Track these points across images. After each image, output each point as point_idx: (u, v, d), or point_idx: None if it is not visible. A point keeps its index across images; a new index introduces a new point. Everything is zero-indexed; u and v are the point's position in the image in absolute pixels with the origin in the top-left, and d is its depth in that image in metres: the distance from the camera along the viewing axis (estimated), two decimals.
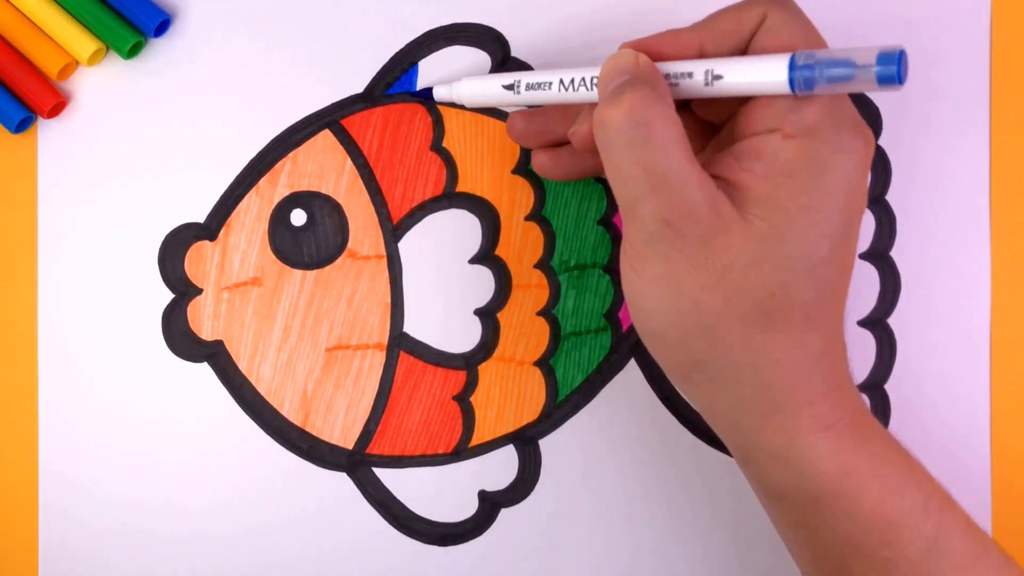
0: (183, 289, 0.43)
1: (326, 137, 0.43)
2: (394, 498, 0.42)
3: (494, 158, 0.42)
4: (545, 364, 0.42)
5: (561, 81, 0.36)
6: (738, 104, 0.34)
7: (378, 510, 0.42)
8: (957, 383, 0.40)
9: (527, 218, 0.42)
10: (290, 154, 0.43)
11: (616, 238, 0.42)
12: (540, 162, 0.40)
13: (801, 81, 0.31)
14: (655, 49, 0.34)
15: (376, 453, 0.42)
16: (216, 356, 0.43)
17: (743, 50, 0.34)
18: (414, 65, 0.43)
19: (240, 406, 0.43)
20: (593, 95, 0.35)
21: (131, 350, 0.44)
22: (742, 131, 0.34)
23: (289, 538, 0.43)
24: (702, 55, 0.34)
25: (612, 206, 0.42)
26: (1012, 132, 0.41)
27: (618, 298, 0.42)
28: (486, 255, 0.42)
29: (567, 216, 0.42)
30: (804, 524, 0.34)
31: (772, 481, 0.34)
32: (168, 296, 0.43)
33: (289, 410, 0.43)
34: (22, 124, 0.44)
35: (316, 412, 0.43)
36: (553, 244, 0.42)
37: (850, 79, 0.31)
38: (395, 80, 0.43)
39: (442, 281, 0.42)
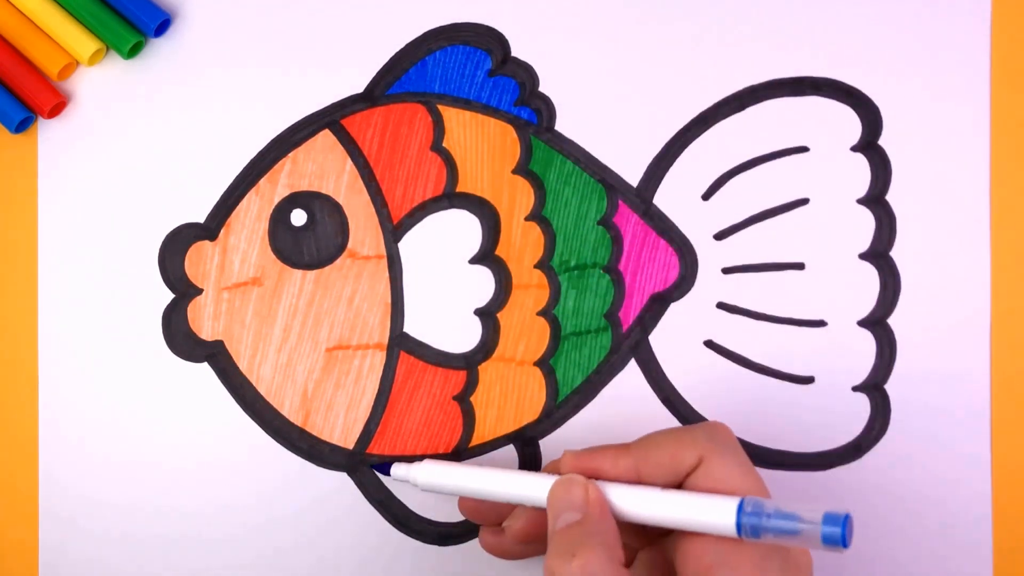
0: (183, 289, 0.43)
1: (326, 137, 0.43)
2: (394, 498, 0.42)
3: (494, 158, 0.42)
4: (545, 364, 0.42)
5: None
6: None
7: (378, 510, 0.42)
8: (957, 383, 0.40)
9: (527, 218, 0.42)
10: (290, 154, 0.43)
11: (616, 238, 0.42)
12: (486, 541, 0.39)
13: (748, 528, 0.32)
14: (594, 469, 0.35)
15: (376, 453, 0.42)
16: (216, 356, 0.43)
17: (679, 484, 0.34)
18: (414, 65, 0.43)
19: (240, 406, 0.43)
20: (540, 499, 0.36)
21: (131, 350, 0.43)
22: (679, 567, 0.34)
23: (289, 538, 0.43)
24: (639, 481, 0.35)
25: (612, 206, 0.42)
26: (1012, 132, 0.41)
27: (618, 298, 0.42)
28: (486, 255, 0.42)
29: (567, 216, 0.42)
30: None
31: None
32: (168, 296, 0.43)
33: (289, 410, 0.43)
34: (22, 124, 0.44)
35: (316, 412, 0.43)
36: (553, 244, 0.42)
37: (796, 534, 0.31)
38: (395, 80, 0.43)
39: (442, 281, 0.42)
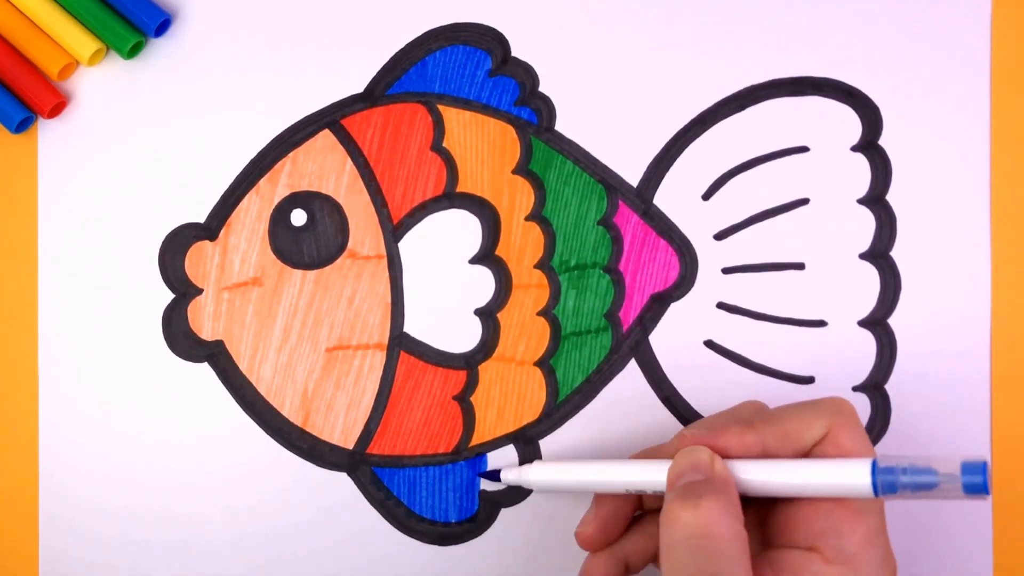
0: (183, 289, 0.43)
1: (326, 137, 0.43)
2: (394, 498, 0.42)
3: (494, 158, 0.42)
4: (545, 364, 0.42)
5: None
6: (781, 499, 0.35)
7: (378, 510, 0.42)
8: (957, 383, 0.40)
9: (527, 218, 0.42)
10: (290, 154, 0.43)
11: (616, 238, 0.42)
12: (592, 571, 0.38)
13: (884, 486, 0.32)
14: (719, 447, 0.35)
15: (376, 453, 0.42)
16: (216, 356, 0.43)
17: (805, 454, 0.34)
18: (414, 65, 0.43)
19: (240, 406, 0.43)
20: (662, 482, 0.35)
21: (131, 350, 0.43)
22: (781, 535, 0.34)
23: (289, 538, 0.43)
24: (764, 455, 0.35)
25: (612, 206, 0.42)
26: (1012, 132, 0.41)
27: (618, 298, 0.42)
28: (486, 255, 0.42)
29: (567, 216, 0.42)
30: None
31: None
32: (168, 296, 0.43)
33: (289, 410, 0.43)
34: (22, 124, 0.44)
35: (316, 412, 0.43)
36: (553, 244, 0.42)
37: (934, 487, 0.31)
38: (395, 80, 0.43)
39: (442, 281, 0.42)
